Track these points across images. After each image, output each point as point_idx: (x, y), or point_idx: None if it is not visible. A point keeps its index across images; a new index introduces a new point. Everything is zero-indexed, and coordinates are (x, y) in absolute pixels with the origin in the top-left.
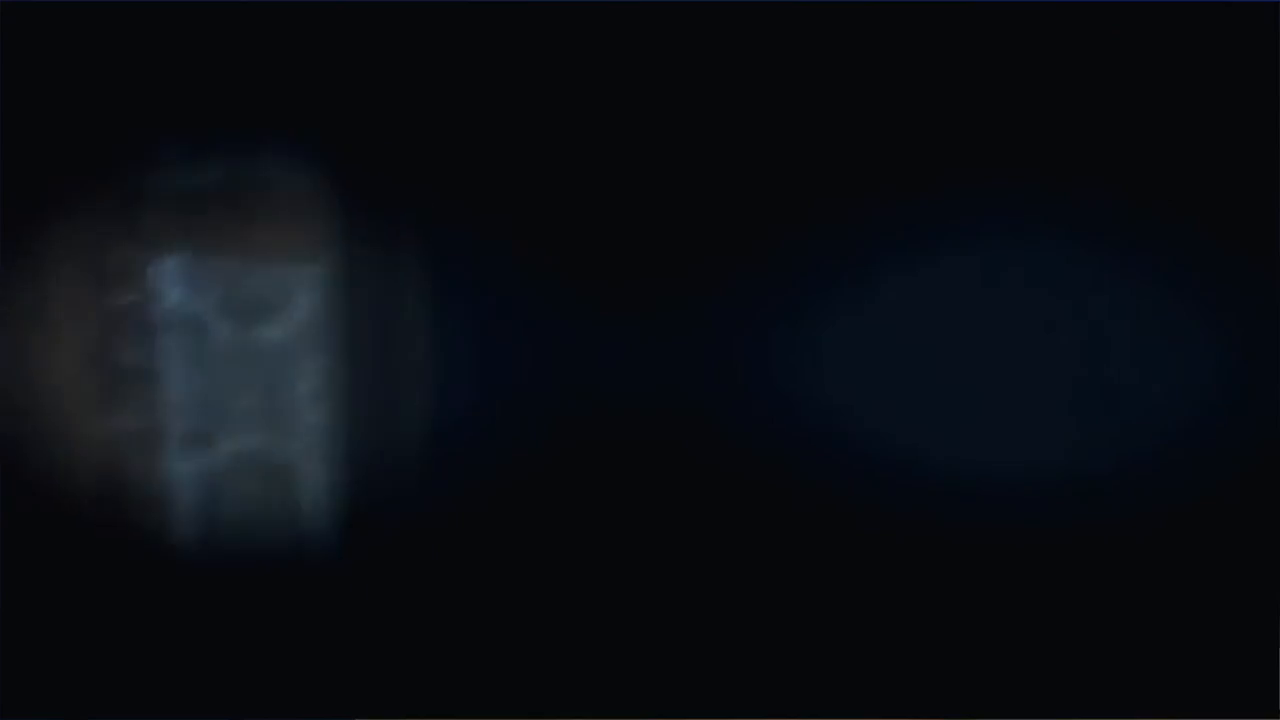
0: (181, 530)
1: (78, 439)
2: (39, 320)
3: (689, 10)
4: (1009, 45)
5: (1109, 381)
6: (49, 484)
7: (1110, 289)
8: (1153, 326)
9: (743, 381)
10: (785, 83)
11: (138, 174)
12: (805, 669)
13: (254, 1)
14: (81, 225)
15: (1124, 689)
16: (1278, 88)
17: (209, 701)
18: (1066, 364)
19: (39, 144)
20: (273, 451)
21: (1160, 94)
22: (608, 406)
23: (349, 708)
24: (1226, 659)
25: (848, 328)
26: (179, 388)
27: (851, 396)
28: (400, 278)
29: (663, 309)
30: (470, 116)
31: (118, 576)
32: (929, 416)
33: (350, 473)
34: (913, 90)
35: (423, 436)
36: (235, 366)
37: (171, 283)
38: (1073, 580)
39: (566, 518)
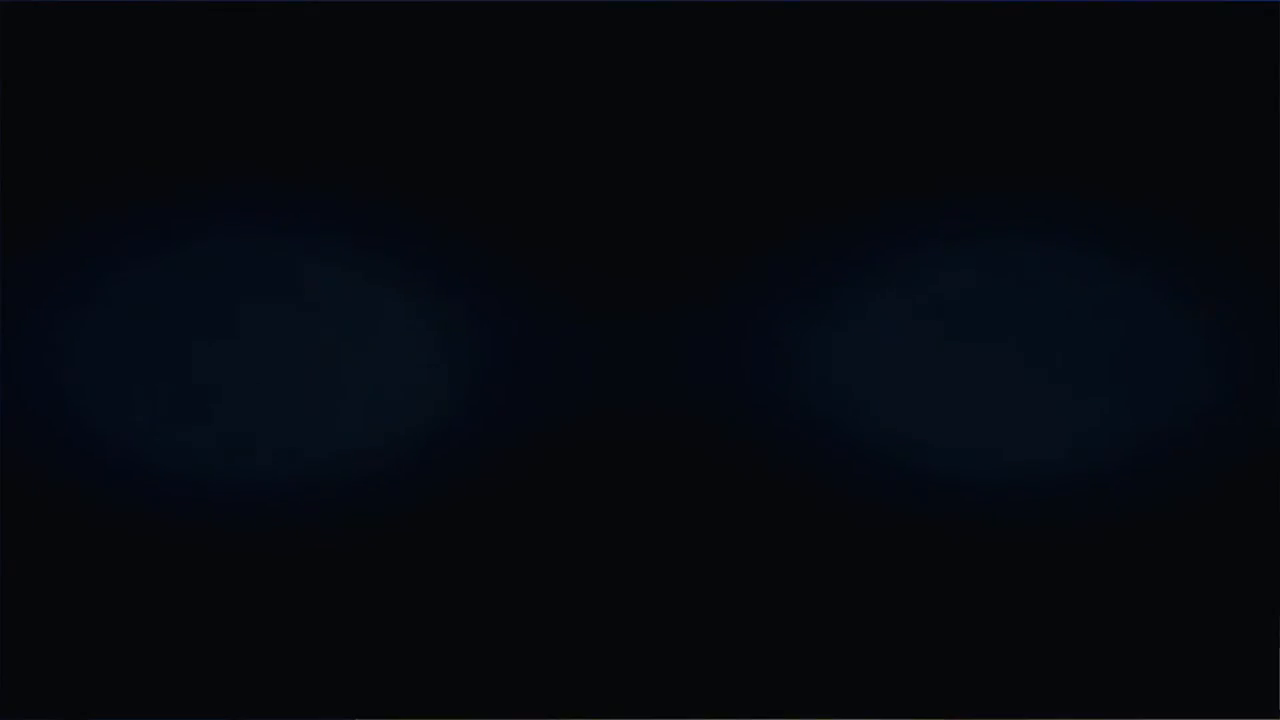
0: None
1: None
2: None
3: (682, 11)
4: (1009, 46)
5: (1109, 380)
6: None
7: (1110, 289)
8: (1152, 326)
9: (742, 381)
10: (784, 83)
11: None
12: (805, 669)
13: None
14: None
15: (1123, 689)
16: (1278, 88)
17: (209, 701)
18: (1067, 363)
19: None
20: None
21: (1160, 94)
22: (607, 406)
23: (348, 708)
24: (1226, 659)
25: (847, 327)
26: None
27: (851, 396)
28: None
29: (662, 309)
30: (466, 114)
31: (119, 575)
32: (930, 416)
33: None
34: (913, 91)
35: (425, 435)
36: None
37: None
38: (1072, 579)
39: (567, 517)
